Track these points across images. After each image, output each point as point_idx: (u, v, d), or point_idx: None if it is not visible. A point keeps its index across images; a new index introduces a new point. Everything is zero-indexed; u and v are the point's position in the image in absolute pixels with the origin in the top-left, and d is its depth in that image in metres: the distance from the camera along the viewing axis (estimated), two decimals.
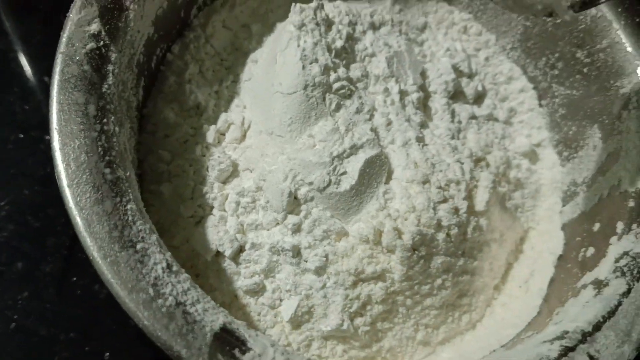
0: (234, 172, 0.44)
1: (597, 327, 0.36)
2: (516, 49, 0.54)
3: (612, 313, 0.37)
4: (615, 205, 0.43)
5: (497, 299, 0.47)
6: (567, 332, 0.36)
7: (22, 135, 0.55)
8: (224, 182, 0.44)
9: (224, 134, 0.46)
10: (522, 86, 0.54)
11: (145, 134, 0.46)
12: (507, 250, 0.48)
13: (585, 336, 0.36)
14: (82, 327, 0.49)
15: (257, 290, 0.42)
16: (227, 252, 0.41)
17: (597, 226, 0.44)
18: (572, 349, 0.35)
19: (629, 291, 0.37)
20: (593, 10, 0.47)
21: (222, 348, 0.32)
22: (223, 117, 0.46)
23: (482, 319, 0.47)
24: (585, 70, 0.48)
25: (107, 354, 0.48)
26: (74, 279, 0.50)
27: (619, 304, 0.37)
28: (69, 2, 0.39)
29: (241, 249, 0.42)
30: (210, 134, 0.45)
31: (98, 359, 0.48)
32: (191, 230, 0.43)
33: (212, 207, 0.43)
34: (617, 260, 0.39)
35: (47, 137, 0.55)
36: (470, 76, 0.53)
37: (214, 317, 0.33)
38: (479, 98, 0.53)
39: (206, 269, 0.42)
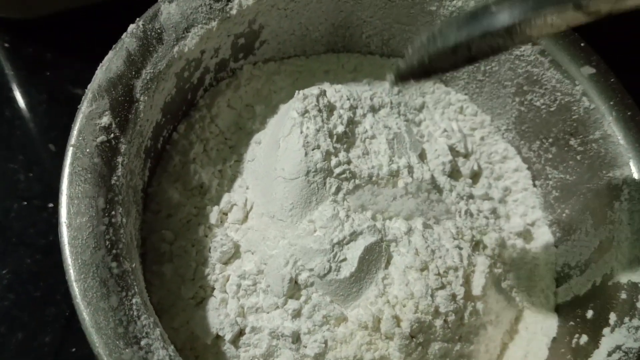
0: (235, 253, 0.45)
1: None
2: (511, 130, 0.56)
3: None
4: (608, 295, 0.44)
5: None
6: None
7: (25, 204, 0.56)
8: (226, 264, 0.45)
9: (226, 214, 0.47)
10: (517, 166, 0.56)
11: (149, 212, 0.47)
12: (502, 331, 0.49)
13: None
14: None
15: None
16: (228, 337, 0.42)
17: (590, 313, 0.45)
18: None
19: None
20: (586, 102, 0.48)
21: None
22: (226, 197, 0.47)
23: None
24: (578, 157, 0.50)
25: None
26: (73, 349, 0.51)
27: None
28: (75, 71, 0.40)
29: (241, 333, 0.43)
30: (214, 215, 0.46)
31: None
32: (191, 312, 0.43)
33: (213, 289, 0.44)
34: (609, 354, 0.40)
35: (50, 206, 0.56)
36: (466, 156, 0.54)
37: None
38: (474, 177, 0.54)
39: (205, 352, 0.43)
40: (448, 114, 0.57)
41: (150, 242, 0.46)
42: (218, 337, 0.43)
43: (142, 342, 0.34)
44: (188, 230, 0.46)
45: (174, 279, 0.44)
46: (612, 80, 0.48)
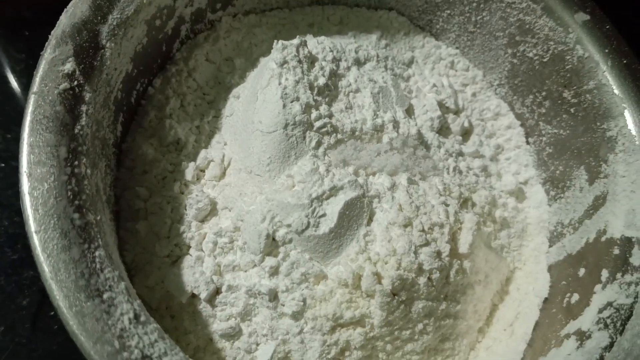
0: (212, 210, 0.43)
1: None
2: (503, 85, 0.54)
3: None
4: (601, 251, 0.42)
5: (482, 342, 0.46)
6: None
7: (2, 165, 0.55)
8: (202, 221, 0.43)
9: (203, 171, 0.45)
10: (510, 123, 0.53)
11: (123, 169, 0.45)
12: (492, 292, 0.47)
13: None
14: None
15: (233, 334, 0.41)
16: (203, 295, 0.40)
17: (582, 271, 0.43)
18: None
19: (611, 345, 0.36)
20: (580, 51, 0.46)
21: None
22: (203, 153, 0.45)
23: None
24: (572, 110, 0.47)
25: None
26: (52, 313, 0.49)
27: (601, 358, 0.36)
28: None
29: (217, 292, 0.41)
30: (190, 171, 0.44)
31: None
32: (166, 271, 0.42)
33: (189, 247, 0.43)
34: (600, 311, 0.38)
35: None
36: (457, 112, 0.52)
37: None
38: (465, 134, 0.52)
39: (181, 311, 0.41)
40: (438, 69, 0.55)
41: (125, 199, 0.44)
42: (194, 296, 0.41)
43: (105, 295, 0.32)
44: (163, 187, 0.45)
45: (149, 236, 0.43)
46: (607, 27, 0.46)
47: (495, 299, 0.48)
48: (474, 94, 0.55)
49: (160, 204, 0.44)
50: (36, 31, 0.61)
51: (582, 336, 0.38)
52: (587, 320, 0.39)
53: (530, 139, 0.53)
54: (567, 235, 0.47)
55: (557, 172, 0.50)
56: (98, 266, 0.33)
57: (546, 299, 0.46)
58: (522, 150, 0.53)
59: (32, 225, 0.33)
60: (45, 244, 0.33)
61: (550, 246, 0.49)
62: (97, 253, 0.34)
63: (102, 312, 0.32)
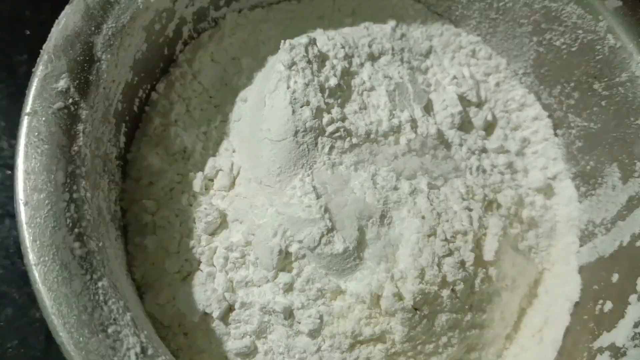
0: (222, 223, 0.42)
1: None
2: (529, 74, 0.51)
3: None
4: (636, 257, 0.40)
5: (509, 349, 0.45)
6: None
7: (9, 172, 0.54)
8: (212, 235, 0.41)
9: (212, 180, 0.43)
10: (536, 114, 0.50)
11: (129, 180, 0.43)
12: (520, 296, 0.45)
13: None
14: None
15: (248, 353, 0.39)
16: (215, 314, 0.39)
17: (615, 277, 0.41)
18: None
19: None
20: (611, 40, 0.43)
21: None
22: (211, 162, 0.43)
23: None
24: (603, 103, 0.44)
25: None
26: None
27: None
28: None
29: (230, 309, 0.40)
30: (197, 182, 0.42)
31: None
32: (177, 287, 0.40)
33: (199, 262, 0.41)
34: (636, 325, 0.36)
35: None
36: (479, 105, 0.49)
37: None
38: (488, 127, 0.50)
39: (194, 329, 0.40)
40: (459, 59, 0.52)
41: (132, 213, 0.43)
42: (206, 314, 0.40)
43: (110, 330, 0.31)
44: (171, 199, 0.43)
45: (158, 252, 0.41)
46: None
47: (523, 303, 0.46)
48: (497, 84, 0.51)
49: (168, 217, 0.42)
50: (38, 30, 0.59)
51: (616, 352, 0.36)
52: (621, 334, 0.37)
53: (558, 131, 0.50)
54: (599, 236, 0.45)
55: (588, 167, 0.47)
56: (101, 298, 0.32)
57: (577, 302, 0.44)
58: (550, 142, 0.50)
59: (31, 257, 0.32)
60: (45, 277, 0.31)
61: (580, 246, 0.46)
62: (99, 284, 0.32)
63: (107, 347, 0.31)
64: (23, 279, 0.50)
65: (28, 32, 0.59)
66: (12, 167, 0.53)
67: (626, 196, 0.42)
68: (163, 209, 0.42)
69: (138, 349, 0.31)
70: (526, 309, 0.46)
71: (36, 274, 0.31)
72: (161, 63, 0.46)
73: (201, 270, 0.41)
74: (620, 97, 0.43)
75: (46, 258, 0.31)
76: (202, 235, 0.41)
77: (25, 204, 0.32)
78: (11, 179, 0.53)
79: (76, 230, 0.33)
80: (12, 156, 0.53)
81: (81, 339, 0.30)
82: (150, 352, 0.32)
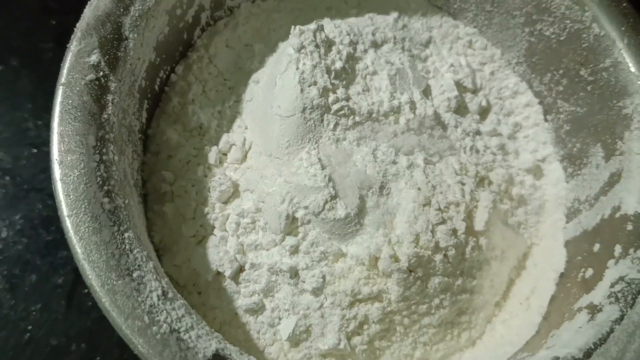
0: (234, 192, 0.45)
1: (588, 354, 0.36)
2: (521, 63, 0.54)
3: (603, 340, 0.37)
4: (615, 227, 0.43)
5: (498, 316, 0.48)
6: (557, 358, 0.36)
7: (35, 151, 0.57)
8: (225, 203, 0.45)
9: (225, 154, 0.47)
10: (528, 100, 0.54)
11: (149, 154, 0.47)
12: (509, 267, 0.48)
13: None
14: (92, 338, 0.51)
15: (257, 309, 0.43)
16: (227, 273, 0.42)
17: (597, 247, 0.44)
18: None
19: (621, 318, 0.37)
20: (596, 29, 0.46)
21: None
22: (225, 137, 0.47)
23: (482, 336, 0.47)
24: (589, 88, 0.48)
25: None
26: (85, 291, 0.52)
27: (611, 330, 0.37)
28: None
29: (241, 269, 0.43)
30: (212, 155, 0.46)
31: None
32: (193, 250, 0.44)
33: (213, 227, 0.44)
34: (612, 285, 0.39)
35: None
36: (475, 91, 0.53)
37: (207, 344, 0.34)
38: (483, 113, 0.53)
39: (207, 288, 0.43)
40: (456, 49, 0.56)
41: (151, 183, 0.46)
42: (219, 274, 0.43)
43: (134, 274, 0.34)
44: (188, 171, 0.46)
45: (175, 218, 0.45)
46: (624, 5, 0.46)
47: (512, 274, 0.49)
48: (492, 73, 0.55)
49: (185, 187, 0.46)
50: (62, 20, 0.63)
51: (593, 310, 0.39)
52: (599, 294, 0.40)
53: (548, 117, 0.53)
54: (583, 212, 0.48)
55: (575, 149, 0.50)
56: (127, 247, 0.35)
57: (562, 273, 0.47)
58: (540, 127, 0.53)
59: (64, 209, 0.35)
60: (77, 227, 0.35)
61: (567, 222, 0.50)
62: (126, 235, 0.36)
63: (132, 289, 0.34)
64: (47, 248, 0.54)
65: (53, 22, 0.63)
66: (37, 145, 0.57)
67: (608, 173, 0.46)
68: (180, 180, 0.46)
69: (160, 292, 0.35)
70: (515, 280, 0.49)
71: (69, 225, 0.35)
72: (180, 47, 0.49)
73: (215, 235, 0.44)
74: (604, 82, 0.46)
75: (78, 211, 0.35)
76: (216, 203, 0.45)
77: (60, 163, 0.36)
78: (37, 157, 0.57)
79: (105, 187, 0.36)
80: (38, 136, 0.58)
81: (108, 281, 0.34)
82: (170, 295, 0.35)
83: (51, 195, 0.54)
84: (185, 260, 0.44)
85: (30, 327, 0.51)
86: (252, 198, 0.44)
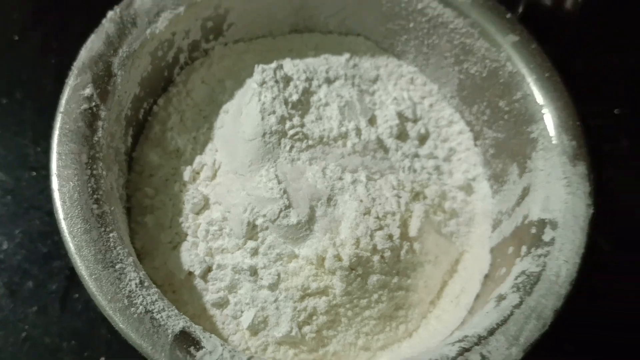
0: (205, 205, 0.53)
1: (491, 332, 0.42)
2: (455, 97, 0.63)
3: (504, 321, 0.43)
4: (524, 231, 0.50)
5: (432, 312, 0.55)
6: (466, 336, 0.43)
7: (34, 174, 0.64)
8: (197, 214, 0.53)
9: (198, 173, 0.54)
10: (460, 129, 0.62)
11: (133, 173, 0.55)
12: (442, 271, 0.56)
13: (481, 339, 0.42)
14: (81, 337, 0.56)
15: (222, 304, 0.49)
16: (197, 272, 0.50)
17: (510, 249, 0.51)
18: (468, 349, 0.42)
19: (520, 303, 0.44)
20: (510, 67, 0.55)
21: (180, 346, 0.40)
22: (198, 159, 0.55)
23: (418, 329, 0.54)
24: (506, 117, 0.56)
25: (103, 358, 0.56)
26: (76, 295, 0.58)
27: (512, 314, 0.43)
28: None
29: (209, 269, 0.50)
30: (187, 174, 0.54)
31: None
32: (169, 254, 0.51)
33: (186, 234, 0.52)
34: (516, 278, 0.46)
35: None
36: (415, 121, 0.61)
37: (175, 323, 0.41)
38: (422, 139, 0.61)
39: (181, 286, 0.50)
40: (400, 85, 0.64)
41: (135, 198, 0.54)
42: (190, 274, 0.50)
43: (117, 266, 0.42)
44: (166, 187, 0.54)
45: (155, 227, 0.52)
46: (533, 46, 0.55)
47: (445, 276, 0.56)
48: (430, 105, 0.64)
49: (164, 200, 0.53)
50: (62, 58, 0.71)
51: (500, 298, 0.46)
52: (505, 286, 0.47)
53: (477, 142, 0.61)
54: (504, 222, 0.56)
55: (498, 169, 0.58)
56: (112, 244, 0.42)
57: (486, 275, 0.55)
58: (471, 151, 0.61)
59: (60, 214, 0.42)
60: (71, 228, 0.42)
61: (492, 232, 0.57)
62: (111, 235, 0.43)
63: (115, 278, 0.41)
64: (43, 258, 0.59)
65: (53, 61, 0.71)
66: (36, 169, 0.65)
67: (521, 187, 0.53)
68: (160, 195, 0.53)
69: (137, 281, 0.42)
70: (448, 281, 0.56)
71: (64, 226, 0.42)
72: (162, 82, 0.57)
73: (187, 241, 0.51)
74: (517, 111, 0.54)
75: (72, 214, 0.42)
76: (189, 214, 0.52)
77: (58, 176, 0.43)
78: (35, 179, 0.65)
79: (95, 196, 0.44)
80: (37, 160, 0.66)
81: (95, 271, 0.40)
82: (146, 284, 0.42)
83: (48, 212, 0.62)
84: (163, 263, 0.51)
85: (27, 327, 0.56)
86: (219, 209, 0.52)
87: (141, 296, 0.41)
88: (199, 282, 0.50)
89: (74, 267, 0.42)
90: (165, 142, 0.56)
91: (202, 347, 0.40)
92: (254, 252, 0.50)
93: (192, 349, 0.40)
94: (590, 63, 0.80)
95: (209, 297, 0.50)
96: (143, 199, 0.53)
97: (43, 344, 0.56)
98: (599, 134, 0.71)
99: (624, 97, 0.78)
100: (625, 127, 0.76)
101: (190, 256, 0.50)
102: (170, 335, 0.40)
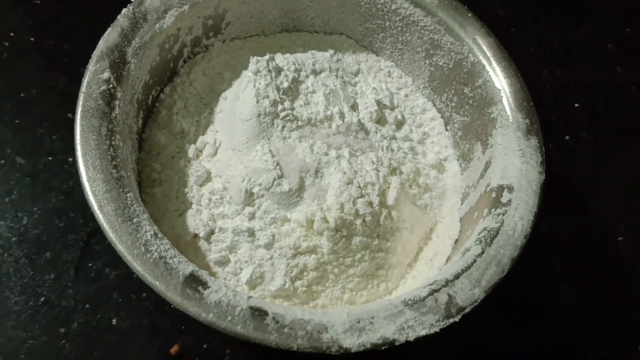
0: (207, 178, 0.59)
1: (457, 276, 0.49)
2: (427, 87, 0.70)
3: (468, 267, 0.49)
4: (486, 197, 0.57)
5: (410, 273, 0.61)
6: (436, 281, 0.50)
7: (50, 158, 0.71)
8: (201, 185, 0.59)
9: (201, 151, 0.61)
10: (433, 115, 0.70)
11: (143, 152, 0.61)
12: (418, 238, 0.63)
13: (448, 282, 0.49)
14: (94, 300, 0.62)
15: (224, 262, 0.56)
16: (202, 234, 0.56)
17: (475, 214, 0.59)
18: (437, 290, 0.48)
19: (482, 253, 0.51)
20: (472, 58, 0.63)
21: (190, 286, 0.46)
22: (200, 139, 0.62)
23: (397, 288, 0.60)
24: (470, 102, 0.64)
25: (114, 319, 0.62)
26: (89, 264, 0.64)
27: (474, 261, 0.50)
28: (87, 56, 0.55)
29: (212, 232, 0.57)
30: (191, 151, 0.61)
31: (107, 323, 0.62)
32: (176, 220, 0.58)
33: (191, 203, 0.58)
34: (479, 234, 0.53)
35: (70, 160, 0.71)
36: (392, 108, 0.69)
37: (186, 267, 0.47)
38: (399, 124, 0.69)
39: (187, 247, 0.57)
40: (379, 77, 0.72)
41: (144, 173, 0.61)
42: (195, 236, 0.57)
43: (134, 220, 0.48)
44: (172, 163, 0.61)
45: (162, 197, 0.59)
46: (492, 39, 0.63)
47: (421, 243, 0.63)
48: (406, 95, 0.71)
49: (170, 174, 0.60)
50: (73, 59, 0.79)
51: (465, 251, 0.53)
52: (470, 241, 0.53)
53: (448, 127, 0.69)
54: (470, 194, 0.63)
55: (465, 149, 0.66)
56: (129, 202, 0.49)
57: (456, 240, 0.62)
58: (442, 135, 0.69)
59: (84, 176, 0.49)
60: (93, 189, 0.48)
61: (461, 204, 0.65)
62: (128, 195, 0.49)
63: (132, 230, 0.47)
64: (59, 232, 0.64)
65: (65, 60, 0.79)
66: (52, 154, 0.72)
67: (484, 162, 0.61)
68: (167, 169, 0.60)
69: (152, 233, 0.48)
70: (423, 247, 0.62)
71: (87, 187, 0.48)
72: (168, 73, 0.65)
73: (192, 208, 0.58)
74: (479, 96, 0.62)
75: (95, 178, 0.49)
76: (194, 186, 0.59)
77: (81, 145, 0.51)
78: (51, 163, 0.71)
79: (114, 162, 0.50)
80: (52, 147, 0.72)
81: (115, 224, 0.46)
82: (159, 236, 0.48)
83: (63, 192, 0.69)
84: (170, 227, 0.58)
85: (45, 292, 0.62)
86: (220, 181, 0.59)
87: (155, 245, 0.48)
88: (202, 244, 0.57)
89: (97, 223, 0.48)
90: (172, 124, 0.63)
91: (208, 287, 0.47)
92: (252, 217, 0.57)
93: (200, 288, 0.46)
94: None
95: (212, 257, 0.56)
96: (152, 174, 0.60)
97: (60, 306, 0.62)
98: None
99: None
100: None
101: (195, 221, 0.57)
102: (181, 276, 0.46)
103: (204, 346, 0.63)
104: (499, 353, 0.67)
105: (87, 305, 0.63)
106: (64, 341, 0.61)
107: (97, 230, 0.67)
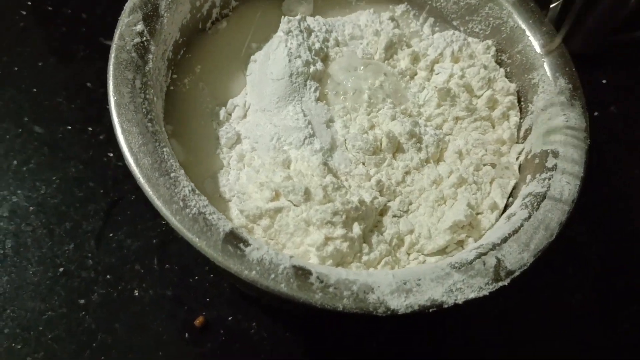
0: (237, 139, 0.57)
1: (504, 240, 0.47)
2: None
3: (516, 231, 0.48)
4: (528, 164, 0.56)
5: None
6: (482, 245, 0.48)
7: (69, 128, 0.69)
8: (230, 147, 0.57)
9: (231, 114, 0.60)
10: None
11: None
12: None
13: (495, 246, 0.47)
14: (115, 271, 0.61)
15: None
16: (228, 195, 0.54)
17: (515, 182, 0.58)
18: (484, 254, 0.47)
19: (529, 217, 0.49)
20: (511, 22, 0.61)
21: (231, 242, 0.44)
22: (230, 101, 0.60)
23: None
24: (508, 69, 0.63)
25: (136, 291, 0.60)
26: (110, 234, 0.63)
27: (522, 225, 0.48)
28: (105, 26, 0.53)
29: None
30: (222, 114, 0.59)
31: (128, 294, 0.60)
32: (206, 181, 0.56)
33: (223, 165, 0.57)
34: (524, 199, 0.52)
35: (89, 129, 0.69)
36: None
37: (225, 224, 0.45)
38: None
39: (217, 208, 0.55)
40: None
41: None
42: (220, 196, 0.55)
43: (172, 175, 0.46)
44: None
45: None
46: (531, 4, 0.62)
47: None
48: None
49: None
50: (92, 27, 0.77)
51: (510, 216, 0.51)
52: (514, 207, 0.52)
53: None
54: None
55: None
56: (166, 157, 0.46)
57: None
58: None
59: (119, 129, 0.46)
60: (129, 143, 0.46)
61: None
62: (164, 149, 0.47)
63: (170, 184, 0.45)
64: (79, 201, 0.63)
65: (84, 29, 0.77)
66: (71, 123, 0.69)
67: (524, 128, 0.60)
68: None
69: (190, 188, 0.46)
70: None
71: (122, 139, 0.46)
72: (196, 34, 0.63)
73: (222, 170, 0.56)
74: (519, 62, 0.61)
75: (130, 131, 0.46)
76: (224, 148, 0.57)
77: (115, 97, 0.48)
78: (70, 132, 0.69)
79: (149, 116, 0.48)
80: (70, 116, 0.70)
81: (152, 178, 0.44)
82: (197, 192, 0.46)
83: (83, 161, 0.67)
84: (202, 190, 0.56)
85: (64, 263, 0.60)
86: (249, 142, 0.56)
87: (194, 200, 0.45)
88: (231, 205, 0.55)
89: (134, 177, 0.46)
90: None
91: (249, 244, 0.45)
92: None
93: (241, 245, 0.44)
94: None
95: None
96: None
97: (79, 277, 0.60)
98: None
99: None
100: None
101: (223, 180, 0.55)
102: (222, 233, 0.44)
103: (229, 318, 0.61)
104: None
105: (107, 276, 0.61)
106: (83, 312, 0.59)
107: (118, 200, 0.65)
